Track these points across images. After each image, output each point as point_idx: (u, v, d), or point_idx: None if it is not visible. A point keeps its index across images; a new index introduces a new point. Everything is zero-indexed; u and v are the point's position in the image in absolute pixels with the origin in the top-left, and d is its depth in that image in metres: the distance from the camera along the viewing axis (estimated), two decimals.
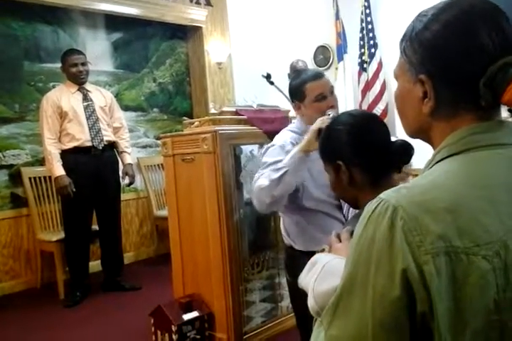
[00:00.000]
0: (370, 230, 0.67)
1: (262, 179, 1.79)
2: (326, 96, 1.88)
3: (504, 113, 0.77)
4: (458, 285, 0.61)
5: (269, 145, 1.96)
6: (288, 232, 1.98)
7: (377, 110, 4.22)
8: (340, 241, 1.06)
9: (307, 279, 0.96)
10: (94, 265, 3.96)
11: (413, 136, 0.84)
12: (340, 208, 1.89)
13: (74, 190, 3.51)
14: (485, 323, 0.62)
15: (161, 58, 5.18)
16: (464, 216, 0.64)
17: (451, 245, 0.62)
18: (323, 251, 1.06)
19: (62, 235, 3.71)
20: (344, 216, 1.86)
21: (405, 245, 0.62)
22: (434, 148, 0.79)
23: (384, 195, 0.69)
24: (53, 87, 4.11)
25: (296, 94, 1.95)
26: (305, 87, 1.90)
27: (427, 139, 0.81)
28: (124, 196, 4.15)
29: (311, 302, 0.90)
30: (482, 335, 0.62)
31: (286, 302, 2.73)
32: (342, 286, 0.69)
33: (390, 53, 4.21)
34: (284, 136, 1.97)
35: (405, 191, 0.68)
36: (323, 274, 0.92)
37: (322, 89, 1.89)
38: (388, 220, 0.64)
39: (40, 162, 4.06)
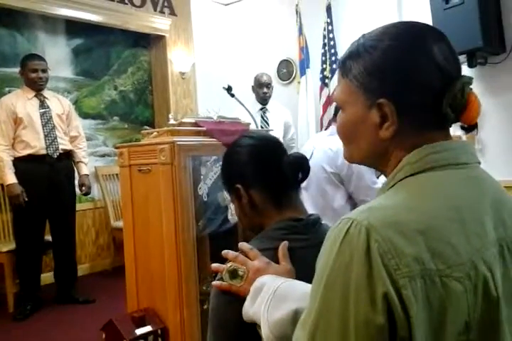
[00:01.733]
0: (345, 253, 0.63)
1: None
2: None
3: (458, 131, 0.79)
4: (434, 309, 0.61)
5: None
6: None
7: None
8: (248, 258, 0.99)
9: (255, 307, 0.88)
10: (47, 277, 3.85)
11: (360, 162, 0.81)
12: None
13: (26, 199, 3.39)
14: None
15: (123, 66, 5.11)
16: (435, 237, 0.63)
17: (425, 268, 0.61)
18: (233, 271, 0.97)
19: (12, 245, 3.58)
20: None
21: (382, 268, 0.61)
22: (384, 169, 0.78)
23: (354, 215, 0.66)
24: (9, 92, 3.98)
25: None
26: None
27: (376, 164, 0.79)
28: (80, 206, 4.05)
29: (265, 333, 0.83)
30: None
31: None
32: (314, 322, 0.64)
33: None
34: None
35: (375, 212, 0.66)
36: (276, 300, 0.85)
37: None
38: (364, 243, 0.62)
39: None
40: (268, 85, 4.14)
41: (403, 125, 0.73)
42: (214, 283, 0.99)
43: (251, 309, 0.89)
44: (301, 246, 1.00)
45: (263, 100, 4.16)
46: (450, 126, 0.75)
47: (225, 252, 1.02)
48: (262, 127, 3.73)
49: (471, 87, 0.73)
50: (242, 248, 1.01)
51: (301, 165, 1.12)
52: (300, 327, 0.67)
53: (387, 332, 0.60)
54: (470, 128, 0.75)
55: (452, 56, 0.73)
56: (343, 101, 0.79)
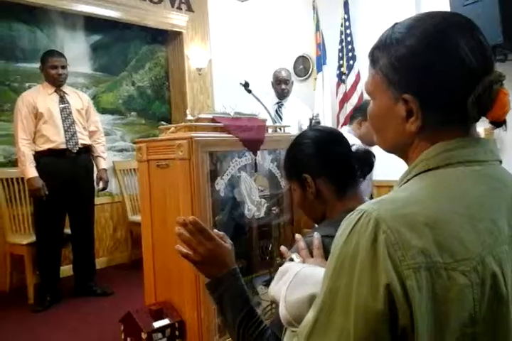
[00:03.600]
0: (352, 242, 0.66)
1: None
2: None
3: (486, 125, 0.78)
4: (438, 300, 0.62)
5: None
6: None
7: None
8: (308, 248, 1.05)
9: (277, 288, 0.93)
10: (66, 269, 3.91)
11: (391, 151, 0.83)
12: None
13: (47, 192, 3.45)
14: (459, 336, 0.63)
15: (141, 62, 5.16)
16: (444, 231, 0.64)
17: (431, 260, 0.63)
18: (291, 260, 1.04)
19: (33, 238, 3.65)
20: None
21: (388, 259, 0.62)
22: (408, 161, 0.79)
23: (365, 206, 0.68)
24: (29, 87, 4.04)
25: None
26: None
27: (404, 153, 0.80)
28: (98, 200, 4.11)
29: (282, 312, 0.87)
30: None
31: (260, 310, 2.72)
32: (322, 299, 0.68)
33: (368, 66, 4.27)
34: None
35: (386, 204, 0.68)
36: (295, 283, 0.89)
37: None
38: (371, 233, 0.64)
39: (13, 163, 3.99)
40: (286, 81, 4.14)
41: (428, 120, 0.74)
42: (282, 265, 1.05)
43: (274, 289, 0.94)
44: None
45: (282, 96, 4.17)
46: (475, 122, 0.75)
47: (299, 239, 1.08)
48: (274, 121, 3.74)
49: (502, 82, 0.72)
50: (314, 238, 1.07)
51: (368, 159, 1.20)
52: (311, 310, 0.71)
53: (387, 319, 0.61)
54: (499, 124, 0.74)
55: (482, 51, 0.72)
56: (372, 92, 0.81)
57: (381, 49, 0.77)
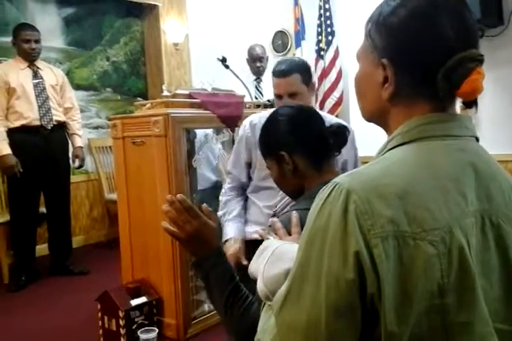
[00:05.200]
0: (325, 214, 0.67)
1: None
2: (282, 97, 1.81)
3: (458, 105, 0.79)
4: (404, 268, 0.63)
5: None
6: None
7: (333, 98, 4.24)
8: (285, 227, 1.07)
9: (257, 264, 0.95)
10: (42, 249, 3.86)
11: (369, 119, 0.85)
12: None
13: (21, 170, 3.37)
14: (428, 306, 0.64)
15: (115, 36, 5.02)
16: (414, 202, 0.66)
17: (399, 229, 0.64)
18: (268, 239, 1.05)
19: (7, 217, 3.58)
20: None
21: (357, 228, 0.64)
22: (388, 133, 0.81)
23: (338, 178, 0.70)
24: None
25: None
26: (272, 78, 1.86)
27: (383, 124, 0.82)
28: (74, 178, 4.04)
29: (260, 287, 0.89)
30: (425, 318, 0.64)
31: None
32: (295, 271, 0.69)
33: (346, 41, 4.23)
34: (256, 115, 2.00)
35: (358, 176, 0.70)
36: (273, 258, 0.91)
37: (279, 90, 1.82)
38: (342, 204, 0.66)
39: None
40: (261, 59, 4.07)
41: (401, 89, 0.76)
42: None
43: (254, 265, 0.97)
44: None
45: (258, 73, 4.11)
46: (453, 99, 0.75)
47: (275, 221, 1.09)
48: (256, 98, 3.69)
49: (479, 62, 0.72)
50: (293, 215, 1.08)
51: (342, 133, 1.23)
52: (285, 283, 0.72)
53: (357, 287, 0.63)
54: (469, 104, 0.75)
55: (464, 29, 0.73)
56: (359, 56, 0.84)
57: (373, 18, 0.80)
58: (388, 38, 0.76)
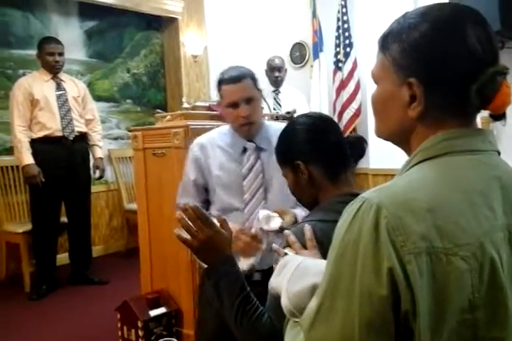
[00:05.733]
0: (355, 229, 0.67)
1: None
2: (239, 105, 1.69)
3: (483, 114, 0.78)
4: (438, 284, 0.63)
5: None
6: None
7: (351, 109, 4.24)
8: (299, 240, 1.06)
9: (279, 279, 0.94)
10: (62, 258, 3.90)
11: (388, 138, 0.83)
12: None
13: (43, 179, 3.44)
14: (460, 321, 0.64)
15: (136, 49, 5.10)
16: (444, 217, 0.65)
17: (432, 245, 0.64)
18: (285, 254, 1.03)
19: (29, 226, 3.64)
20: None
21: (389, 244, 0.63)
22: (408, 151, 0.80)
23: (367, 194, 0.69)
24: (23, 74, 4.01)
25: (218, 91, 1.77)
26: (221, 88, 1.73)
27: (402, 142, 0.80)
28: (93, 188, 4.10)
29: (284, 302, 0.88)
30: (457, 333, 0.64)
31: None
32: (325, 285, 0.69)
33: (365, 53, 4.23)
34: (204, 136, 1.85)
35: (386, 191, 0.69)
36: (297, 274, 0.90)
37: (234, 97, 1.69)
38: (373, 219, 0.65)
39: (8, 151, 3.97)
40: (280, 69, 4.11)
41: (430, 107, 0.74)
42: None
43: (275, 281, 0.96)
44: None
45: (276, 84, 4.14)
46: (477, 113, 0.76)
47: (287, 234, 1.08)
48: (274, 109, 3.71)
49: (505, 75, 0.72)
50: (305, 229, 1.07)
51: (360, 145, 1.21)
52: (313, 299, 0.72)
53: (390, 304, 0.63)
54: (498, 117, 0.75)
55: (489, 42, 0.73)
56: (377, 76, 0.81)
57: (392, 35, 0.77)
58: (414, 55, 0.74)
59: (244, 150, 1.76)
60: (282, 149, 1.27)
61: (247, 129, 1.74)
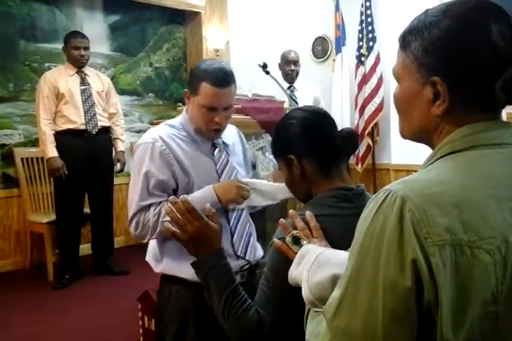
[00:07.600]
0: (379, 221, 0.67)
1: None
2: (217, 110, 1.56)
3: (507, 109, 0.78)
4: (461, 277, 0.64)
5: (139, 142, 1.65)
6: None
7: (373, 104, 4.22)
8: (307, 226, 1.05)
9: (299, 270, 0.95)
10: (85, 248, 3.98)
11: (412, 136, 0.83)
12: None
13: (66, 172, 3.50)
14: (482, 314, 0.65)
15: (159, 43, 5.14)
16: (469, 210, 0.66)
17: (456, 238, 0.64)
18: (295, 238, 1.03)
19: (52, 217, 3.72)
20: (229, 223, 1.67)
21: (413, 236, 0.64)
22: (432, 147, 0.79)
23: (391, 186, 0.70)
24: (49, 67, 4.08)
25: (193, 83, 1.59)
26: (201, 84, 1.55)
27: (426, 140, 0.80)
28: (116, 180, 4.15)
29: (305, 293, 0.88)
30: (479, 325, 0.65)
31: None
32: (349, 276, 0.69)
33: (388, 47, 4.20)
34: (156, 131, 1.63)
35: (411, 184, 0.69)
36: (317, 264, 0.91)
37: (216, 102, 1.55)
38: (397, 211, 0.66)
39: (33, 143, 4.05)
40: (296, 62, 4.04)
41: (454, 104, 0.74)
42: (276, 241, 1.06)
43: (295, 272, 0.96)
44: (351, 214, 1.04)
45: (290, 78, 4.06)
46: (502, 108, 0.75)
47: (296, 219, 1.07)
48: (289, 106, 3.69)
49: None
50: (307, 215, 1.07)
51: (353, 139, 1.20)
52: (336, 289, 0.72)
53: (414, 295, 0.63)
54: None
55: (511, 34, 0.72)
56: (399, 75, 0.81)
57: (413, 33, 0.77)
58: (436, 54, 0.74)
59: (213, 145, 1.67)
60: (276, 143, 1.26)
61: (215, 134, 1.64)
